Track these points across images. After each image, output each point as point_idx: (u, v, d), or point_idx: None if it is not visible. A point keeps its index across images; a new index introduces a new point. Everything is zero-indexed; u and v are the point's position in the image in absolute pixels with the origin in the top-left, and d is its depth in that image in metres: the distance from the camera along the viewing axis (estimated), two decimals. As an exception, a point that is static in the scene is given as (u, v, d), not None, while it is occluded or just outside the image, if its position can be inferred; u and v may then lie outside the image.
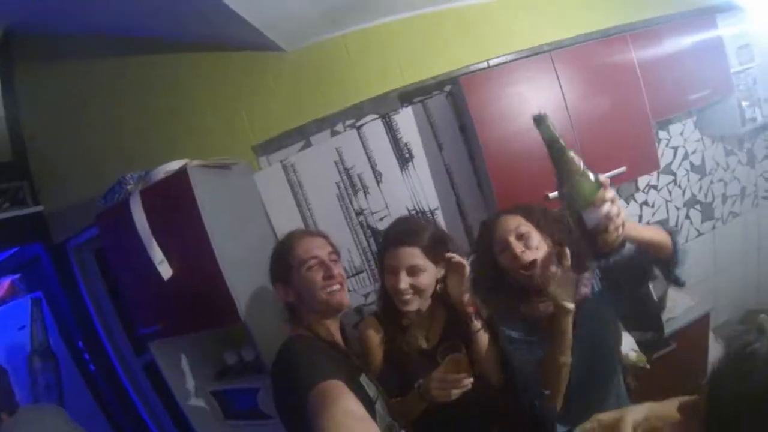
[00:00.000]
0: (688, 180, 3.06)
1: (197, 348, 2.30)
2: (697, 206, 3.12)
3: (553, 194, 2.24)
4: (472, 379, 1.42)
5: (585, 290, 1.58)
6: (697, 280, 3.15)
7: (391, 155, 2.44)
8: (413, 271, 1.62)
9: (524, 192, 2.20)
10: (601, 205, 1.09)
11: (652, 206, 2.97)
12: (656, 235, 1.35)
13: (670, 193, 3.00)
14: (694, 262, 3.14)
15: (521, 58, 2.43)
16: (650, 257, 1.43)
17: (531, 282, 1.57)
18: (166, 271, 1.90)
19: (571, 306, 1.43)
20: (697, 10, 2.80)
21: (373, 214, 2.45)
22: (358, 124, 2.42)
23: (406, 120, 2.44)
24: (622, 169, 2.28)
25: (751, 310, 3.37)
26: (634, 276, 1.56)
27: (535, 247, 1.56)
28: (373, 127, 2.42)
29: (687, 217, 3.10)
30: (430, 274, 1.65)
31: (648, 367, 2.28)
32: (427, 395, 1.45)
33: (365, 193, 2.43)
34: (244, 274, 1.97)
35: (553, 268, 1.49)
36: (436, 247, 1.69)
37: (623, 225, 1.12)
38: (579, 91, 2.27)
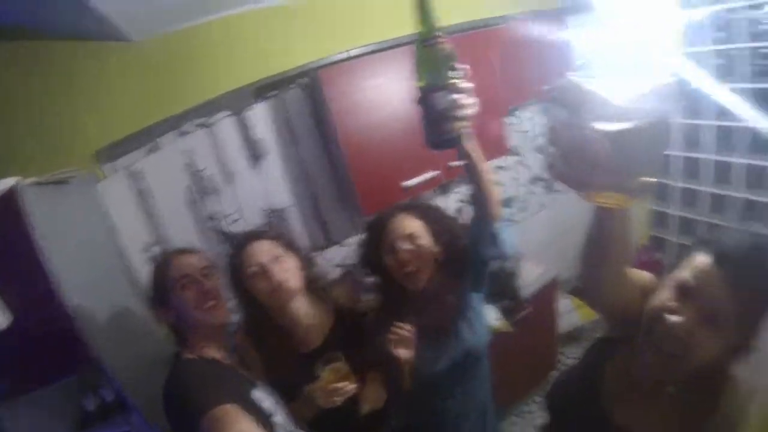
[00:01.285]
0: (534, 159, 3.37)
1: (49, 398, 1.97)
2: (541, 182, 3.47)
3: (407, 183, 2.36)
4: (355, 385, 1.49)
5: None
6: (544, 246, 3.53)
7: (243, 153, 2.37)
8: (277, 261, 1.60)
9: (383, 184, 2.31)
10: (455, 91, 1.12)
11: (501, 185, 3.23)
12: (490, 169, 1.43)
13: (517, 172, 3.29)
14: (541, 231, 3.55)
15: (381, 50, 2.41)
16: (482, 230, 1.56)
17: (414, 286, 1.64)
18: (4, 318, 1.60)
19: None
20: (549, 10, 3.01)
21: (225, 217, 2.37)
22: (210, 122, 2.29)
23: (260, 115, 2.37)
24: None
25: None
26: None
27: (423, 251, 1.61)
28: (225, 125, 2.32)
29: (532, 192, 3.46)
30: (292, 262, 1.65)
31: (512, 330, 2.65)
32: (314, 403, 1.49)
33: (216, 195, 2.34)
34: (93, 306, 1.80)
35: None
36: (284, 236, 1.74)
37: (469, 124, 1.16)
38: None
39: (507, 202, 3.30)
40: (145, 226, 2.23)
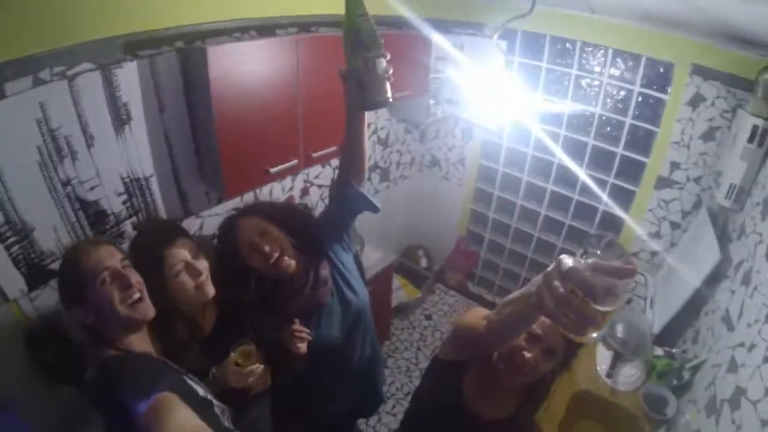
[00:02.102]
0: (374, 150, 3.69)
1: None
2: (378, 170, 3.81)
3: (275, 169, 2.43)
4: (263, 366, 1.64)
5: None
6: (376, 228, 3.91)
7: (107, 115, 2.07)
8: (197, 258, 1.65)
9: (248, 166, 2.35)
10: (386, 56, 1.35)
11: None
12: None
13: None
14: (374, 215, 3.86)
15: (265, 26, 2.45)
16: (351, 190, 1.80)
17: (285, 272, 1.76)
18: None
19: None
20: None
21: (82, 183, 2.06)
22: (70, 73, 1.91)
23: (128, 76, 2.09)
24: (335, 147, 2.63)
25: (409, 246, 4.70)
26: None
27: (276, 241, 1.73)
28: (89, 80, 1.97)
29: (369, 179, 3.74)
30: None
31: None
32: (225, 384, 1.58)
33: (73, 159, 2.00)
34: None
35: None
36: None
37: None
38: (313, 75, 2.42)
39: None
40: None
